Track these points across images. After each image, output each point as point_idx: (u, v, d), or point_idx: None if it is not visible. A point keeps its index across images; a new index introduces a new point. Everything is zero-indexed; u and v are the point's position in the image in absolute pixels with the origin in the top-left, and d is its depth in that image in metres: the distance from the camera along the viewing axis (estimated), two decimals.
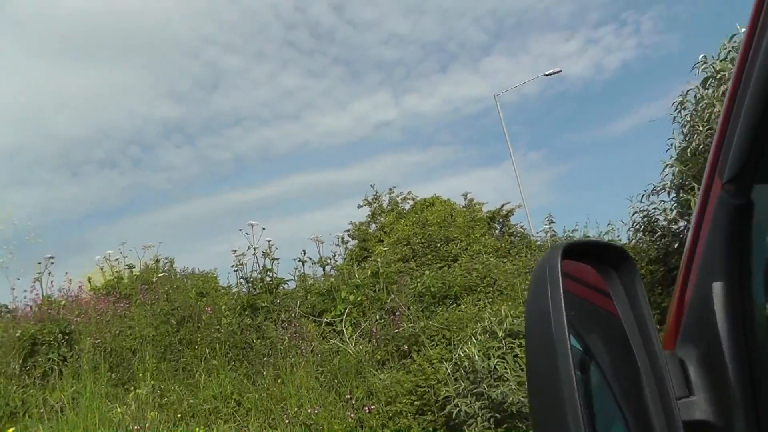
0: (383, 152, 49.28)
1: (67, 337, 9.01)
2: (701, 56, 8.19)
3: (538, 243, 14.28)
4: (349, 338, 9.62)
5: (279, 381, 8.64)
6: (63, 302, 9.82)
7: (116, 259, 13.68)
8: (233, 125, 47.43)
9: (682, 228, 8.60)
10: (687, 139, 8.26)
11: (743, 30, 6.23)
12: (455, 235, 15.16)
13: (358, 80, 49.43)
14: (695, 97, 8.25)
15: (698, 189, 7.61)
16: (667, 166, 8.42)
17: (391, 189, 19.28)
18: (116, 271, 13.35)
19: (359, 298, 10.55)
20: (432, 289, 10.90)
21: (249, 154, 46.39)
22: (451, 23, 47.68)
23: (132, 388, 8.41)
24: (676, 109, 8.64)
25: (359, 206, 19.09)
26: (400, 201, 19.03)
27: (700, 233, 1.18)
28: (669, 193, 8.71)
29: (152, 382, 8.27)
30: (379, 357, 9.24)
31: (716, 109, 7.55)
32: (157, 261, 13.78)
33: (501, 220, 18.27)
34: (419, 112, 47.79)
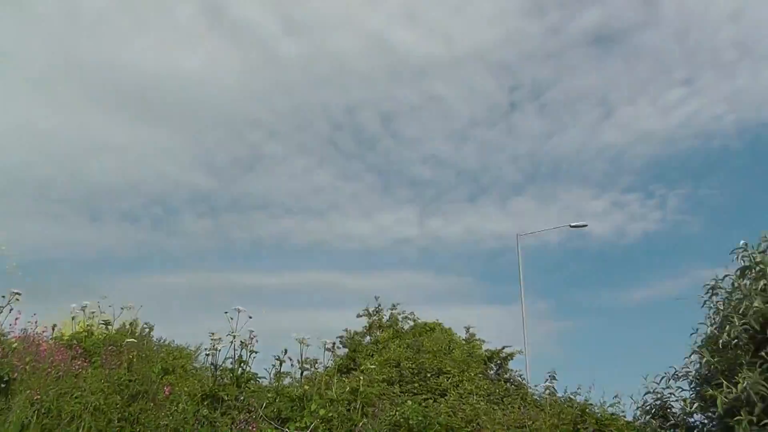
0: (396, 267, 48.99)
1: (3, 385, 8.17)
2: (742, 242, 7.68)
3: (535, 397, 13.35)
4: None
5: None
6: (15, 345, 9.01)
7: (92, 312, 12.97)
8: (259, 209, 47.68)
9: (698, 423, 7.79)
10: (717, 328, 7.58)
11: None
12: (449, 368, 14.30)
13: (388, 192, 49.88)
14: (732, 285, 7.68)
15: (726, 386, 6.91)
16: (693, 352, 7.72)
17: (394, 305, 18.72)
18: (88, 325, 12.60)
19: (330, 414, 9.67)
20: (410, 422, 9.99)
21: (267, 239, 46.35)
22: (489, 156, 48.34)
23: None
24: (708, 293, 8.02)
25: (359, 315, 18.48)
26: (400, 319, 18.37)
27: None
28: (691, 382, 7.96)
29: None
30: None
31: (755, 304, 6.92)
32: (133, 324, 13.04)
33: (499, 362, 17.43)
34: (440, 237, 47.80)
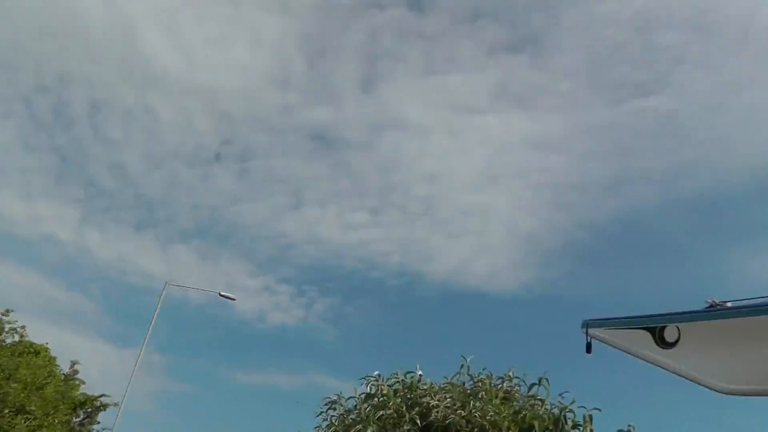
0: (30, 265, 44.51)
1: None
2: (376, 372, 8.51)
3: None
4: None
5: None
6: None
7: None
8: None
9: None
10: None
11: (420, 372, 6.38)
12: (33, 408, 13.00)
13: (61, 182, 45.71)
14: (354, 406, 8.42)
15: None
16: None
17: (6, 311, 16.56)
18: None
19: None
20: None
21: None
22: (174, 193, 47.07)
23: None
24: (326, 405, 8.78)
25: None
26: (6, 330, 16.38)
27: None
28: None
29: None
30: None
31: (369, 429, 7.62)
32: None
33: (90, 410, 16.40)
34: (90, 251, 44.57)
